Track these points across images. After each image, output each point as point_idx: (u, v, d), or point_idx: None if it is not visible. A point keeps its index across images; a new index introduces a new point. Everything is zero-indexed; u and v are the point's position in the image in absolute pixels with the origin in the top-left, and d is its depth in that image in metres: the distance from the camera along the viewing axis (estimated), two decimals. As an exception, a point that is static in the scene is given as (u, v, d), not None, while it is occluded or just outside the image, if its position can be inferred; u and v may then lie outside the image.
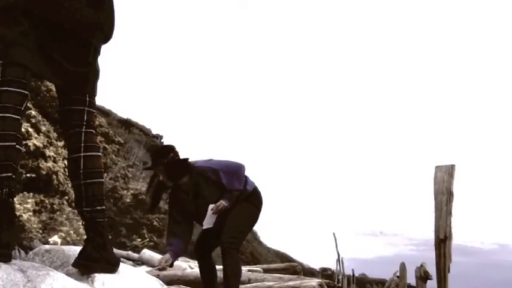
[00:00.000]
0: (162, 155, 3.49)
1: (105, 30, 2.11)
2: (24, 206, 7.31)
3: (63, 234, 7.63)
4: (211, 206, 3.43)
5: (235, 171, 3.49)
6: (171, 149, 3.54)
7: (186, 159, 3.52)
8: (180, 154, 3.55)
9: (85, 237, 2.06)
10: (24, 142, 7.74)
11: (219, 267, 3.46)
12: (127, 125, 20.62)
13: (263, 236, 23.87)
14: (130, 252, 9.57)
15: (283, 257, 22.73)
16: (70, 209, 8.37)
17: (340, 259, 15.00)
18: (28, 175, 8.06)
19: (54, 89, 2.22)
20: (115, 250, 2.20)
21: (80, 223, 2.55)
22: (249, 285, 5.26)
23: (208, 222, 3.45)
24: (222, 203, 3.40)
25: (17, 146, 1.85)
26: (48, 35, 1.94)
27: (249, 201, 3.57)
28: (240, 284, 3.45)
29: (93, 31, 2.05)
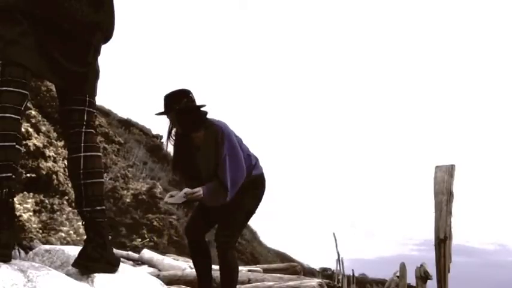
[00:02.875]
0: (174, 99, 3.07)
1: (105, 30, 2.11)
2: (24, 206, 7.30)
3: (63, 234, 7.63)
4: (186, 190, 3.08)
5: (237, 165, 3.08)
6: (186, 93, 3.10)
7: (201, 107, 3.11)
8: (196, 101, 3.13)
9: (85, 237, 2.06)
10: (24, 142, 7.74)
11: (215, 267, 3.33)
12: (127, 125, 20.62)
13: (263, 236, 23.88)
14: (130, 252, 9.56)
15: (283, 257, 22.72)
16: (70, 209, 8.36)
17: (340, 259, 14.99)
18: (28, 175, 8.04)
19: (54, 89, 2.23)
20: (115, 250, 2.20)
21: (80, 223, 2.55)
22: (249, 285, 5.26)
23: (175, 198, 3.10)
24: (200, 192, 3.04)
25: (17, 146, 1.85)
26: (48, 35, 1.94)
27: (249, 191, 3.20)
28: (237, 283, 3.26)
29: (93, 31, 2.05)
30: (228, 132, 3.13)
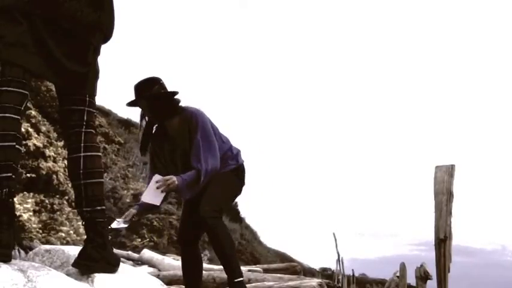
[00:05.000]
0: (145, 87, 3.01)
1: (105, 30, 2.11)
2: (24, 206, 7.31)
3: (63, 234, 7.63)
4: (156, 178, 2.94)
5: (211, 152, 2.98)
6: (156, 81, 3.05)
7: (173, 94, 3.06)
8: (168, 88, 3.09)
9: (85, 237, 2.06)
10: (24, 142, 7.74)
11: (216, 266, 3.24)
12: (127, 125, 20.59)
13: (263, 236, 23.86)
14: (130, 252, 9.56)
15: (283, 257, 22.71)
16: (70, 209, 8.37)
17: (340, 259, 14.98)
18: (28, 175, 8.05)
19: (54, 89, 2.22)
20: (115, 250, 2.20)
21: (80, 223, 2.55)
22: (249, 285, 5.25)
23: (149, 196, 2.94)
24: (173, 180, 2.91)
25: (16, 146, 1.85)
26: (48, 35, 1.94)
27: (231, 175, 3.13)
28: (234, 253, 3.05)
29: (93, 31, 2.05)
30: (202, 118, 3.06)
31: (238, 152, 3.26)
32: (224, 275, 3.20)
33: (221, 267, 3.23)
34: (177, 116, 3.07)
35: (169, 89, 3.09)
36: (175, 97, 3.09)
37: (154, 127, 3.19)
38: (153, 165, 3.21)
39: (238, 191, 3.25)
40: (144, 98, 3.01)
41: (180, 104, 3.09)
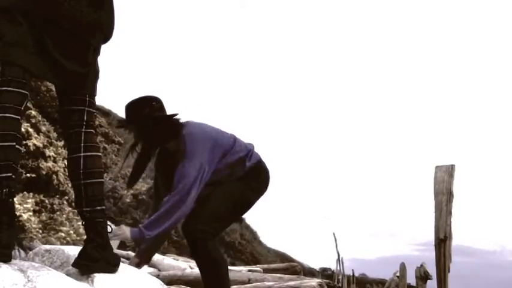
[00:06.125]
0: (132, 111, 2.61)
1: (105, 30, 2.11)
2: (24, 206, 7.31)
3: (63, 234, 7.63)
4: (112, 229, 2.25)
5: (198, 151, 2.51)
6: (147, 101, 2.62)
7: (168, 117, 2.64)
8: (164, 109, 2.66)
9: (85, 237, 2.06)
10: (24, 142, 7.74)
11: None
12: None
13: (263, 236, 23.86)
14: (130, 252, 9.56)
15: (283, 257, 22.71)
16: (70, 209, 8.37)
17: (340, 259, 14.98)
18: (28, 175, 8.05)
19: (54, 89, 2.22)
20: (115, 250, 2.20)
21: (80, 223, 2.54)
22: (249, 285, 5.26)
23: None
24: (122, 230, 2.45)
25: (16, 146, 1.84)
26: (48, 35, 1.94)
27: (242, 181, 2.68)
28: (226, 277, 2.58)
29: (93, 31, 2.05)
30: (190, 131, 2.61)
31: (249, 151, 2.76)
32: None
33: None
34: (174, 140, 2.66)
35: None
36: (174, 118, 2.68)
37: (150, 153, 2.75)
38: (157, 195, 2.81)
39: (247, 204, 2.78)
40: (130, 123, 2.67)
41: (180, 123, 2.67)
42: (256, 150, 2.85)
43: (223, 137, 2.74)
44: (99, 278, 1.95)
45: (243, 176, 2.71)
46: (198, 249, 2.52)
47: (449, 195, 5.30)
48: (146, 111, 2.61)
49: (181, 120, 2.70)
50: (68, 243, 7.44)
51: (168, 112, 2.71)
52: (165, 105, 2.71)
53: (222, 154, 2.66)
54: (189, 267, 6.70)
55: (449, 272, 5.21)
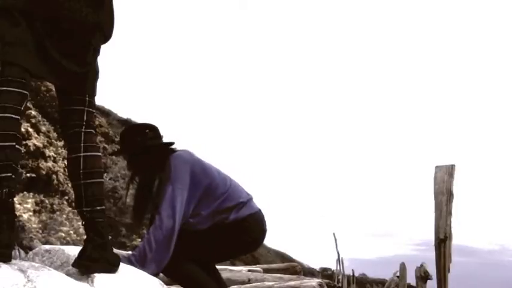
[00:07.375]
0: (125, 139, 2.53)
1: (104, 30, 2.11)
2: (24, 206, 7.32)
3: (63, 234, 7.64)
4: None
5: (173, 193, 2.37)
6: (139, 130, 2.52)
7: (157, 147, 2.49)
8: (158, 137, 2.52)
9: (85, 237, 2.06)
10: (24, 142, 7.75)
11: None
12: (127, 125, 20.60)
13: (263, 236, 23.84)
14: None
15: (283, 257, 22.72)
16: (70, 209, 8.38)
17: (340, 259, 14.99)
18: (28, 175, 8.07)
19: (54, 89, 2.22)
20: (115, 250, 2.19)
21: (80, 223, 2.54)
22: (249, 285, 5.26)
23: None
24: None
25: (16, 146, 1.84)
26: (47, 35, 1.94)
27: (222, 233, 2.50)
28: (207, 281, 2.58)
29: (93, 31, 2.05)
30: (175, 162, 2.43)
31: (244, 201, 2.55)
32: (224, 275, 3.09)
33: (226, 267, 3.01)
34: (161, 171, 2.50)
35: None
36: (166, 148, 2.53)
37: (149, 183, 2.59)
38: (138, 207, 2.71)
39: (226, 255, 2.70)
40: (121, 153, 2.62)
41: (171, 151, 2.51)
42: (252, 203, 2.64)
43: (212, 175, 2.54)
44: (99, 278, 1.95)
45: (225, 226, 2.51)
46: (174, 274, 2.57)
47: (449, 195, 5.30)
48: (138, 139, 2.50)
49: (174, 148, 2.56)
50: (68, 243, 7.45)
51: (165, 139, 2.56)
52: (161, 133, 2.57)
53: (204, 192, 2.49)
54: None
55: (449, 272, 5.22)
